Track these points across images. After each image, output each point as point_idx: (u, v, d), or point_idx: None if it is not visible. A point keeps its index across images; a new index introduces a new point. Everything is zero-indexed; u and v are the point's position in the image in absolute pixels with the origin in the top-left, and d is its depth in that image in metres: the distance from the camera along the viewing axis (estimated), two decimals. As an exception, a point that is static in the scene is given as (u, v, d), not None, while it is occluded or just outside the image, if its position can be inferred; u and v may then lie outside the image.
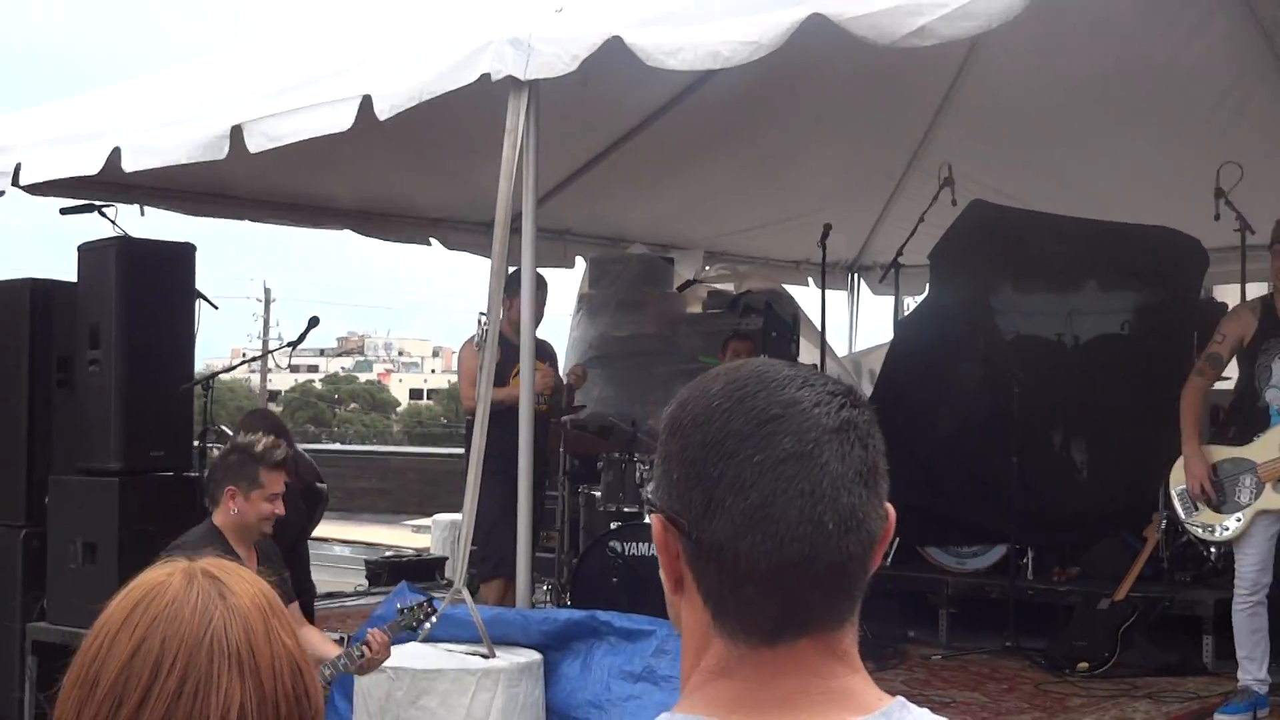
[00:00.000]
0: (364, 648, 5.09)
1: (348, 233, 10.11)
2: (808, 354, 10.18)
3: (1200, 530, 6.78)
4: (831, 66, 8.23)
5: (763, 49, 4.93)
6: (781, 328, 9.85)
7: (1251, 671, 6.64)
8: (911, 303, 10.37)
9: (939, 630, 8.56)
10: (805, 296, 11.98)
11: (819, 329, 9.49)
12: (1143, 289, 9.00)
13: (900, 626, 8.60)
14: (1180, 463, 6.75)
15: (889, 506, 1.36)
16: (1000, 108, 9.70)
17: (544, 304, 7.89)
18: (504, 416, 6.50)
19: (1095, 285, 9.16)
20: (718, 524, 1.28)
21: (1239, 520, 6.55)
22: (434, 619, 5.47)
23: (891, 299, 10.08)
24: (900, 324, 9.34)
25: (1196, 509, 6.70)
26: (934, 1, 4.67)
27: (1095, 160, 9.89)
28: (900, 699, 1.33)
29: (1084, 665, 7.57)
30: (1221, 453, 6.69)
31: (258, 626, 1.44)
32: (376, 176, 9.31)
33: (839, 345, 12.45)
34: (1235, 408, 6.82)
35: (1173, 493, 6.83)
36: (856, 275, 12.87)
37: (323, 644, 5.32)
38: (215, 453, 6.17)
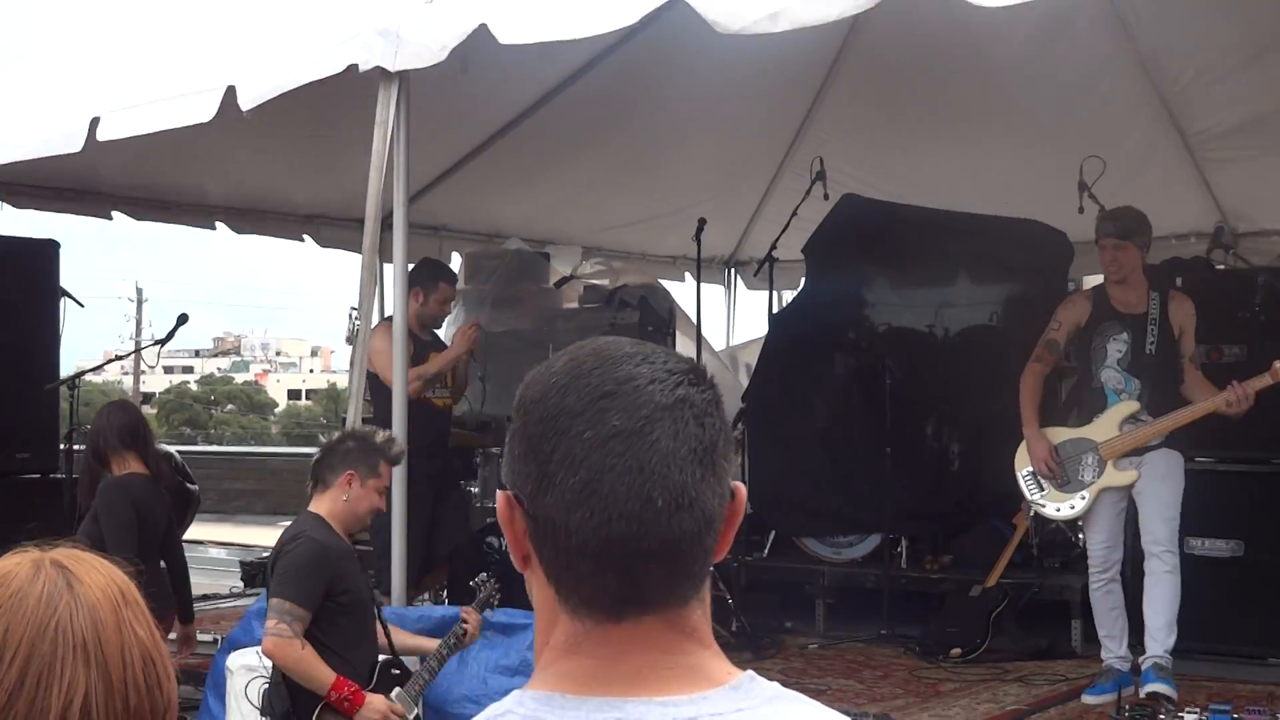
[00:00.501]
0: (463, 626, 5.27)
1: (222, 232, 9.93)
2: (684, 348, 10.20)
3: (1047, 510, 6.94)
4: (707, 61, 8.27)
5: (619, 23, 4.94)
6: (657, 322, 9.87)
7: (1113, 649, 6.79)
8: (788, 296, 10.44)
9: (816, 620, 8.64)
10: (683, 291, 12.03)
11: (695, 323, 9.53)
12: (1010, 281, 9.15)
13: (778, 617, 8.67)
14: (1024, 446, 6.89)
15: (737, 486, 1.36)
16: (873, 103, 9.82)
17: (450, 299, 7.89)
18: (418, 419, 6.57)
19: (964, 278, 9.29)
20: (550, 499, 1.29)
21: (1084, 498, 6.71)
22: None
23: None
24: (774, 318, 9.39)
25: (1042, 489, 6.85)
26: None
27: (965, 154, 10.05)
28: (750, 672, 1.34)
29: (956, 651, 7.68)
30: (1062, 434, 6.84)
31: (107, 617, 1.42)
32: (248, 172, 9.19)
33: (716, 339, 12.51)
34: (1075, 391, 7.00)
35: (1019, 475, 6.95)
36: (733, 270, 12.94)
37: (419, 640, 5.44)
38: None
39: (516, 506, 1.33)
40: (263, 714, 5.16)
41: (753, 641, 7.93)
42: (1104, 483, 6.67)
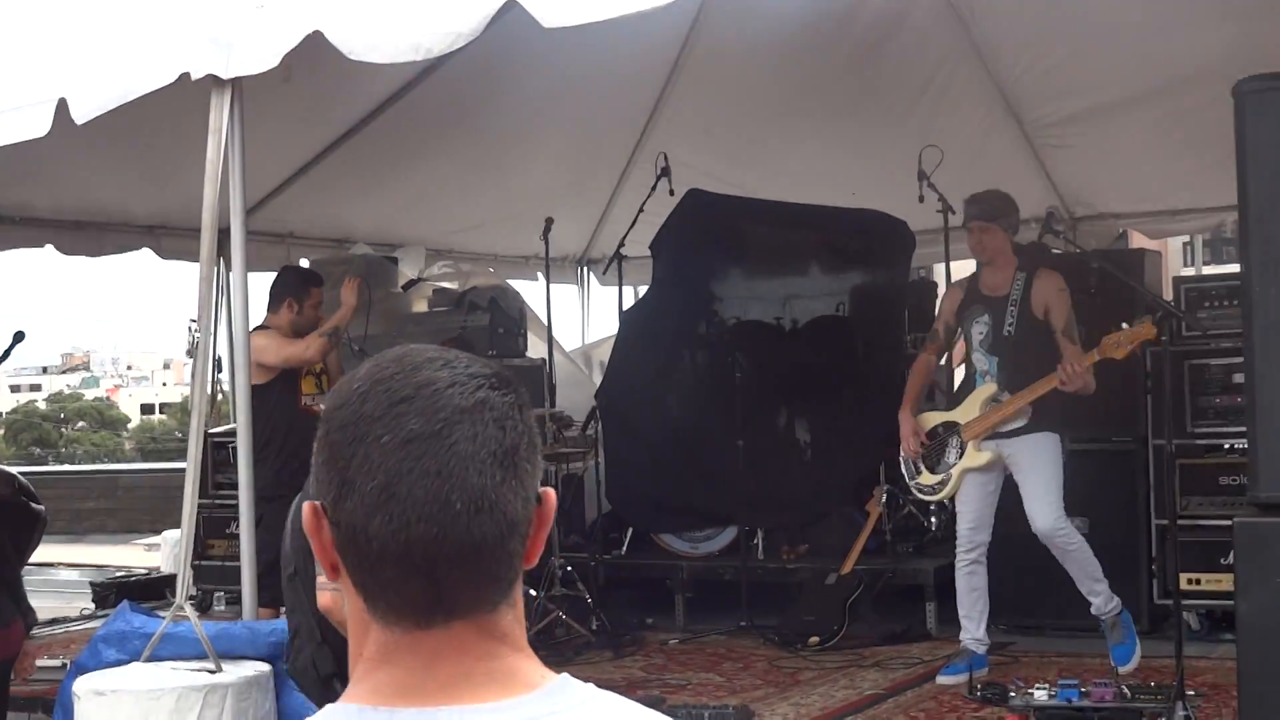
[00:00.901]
0: None
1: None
2: (536, 348, 10.19)
3: (919, 491, 7.11)
4: (552, 58, 8.27)
5: (463, 38, 4.92)
6: (508, 324, 9.84)
7: (970, 630, 6.93)
8: (641, 293, 10.47)
9: (676, 615, 8.68)
10: (536, 291, 12.02)
11: (545, 323, 9.52)
12: (855, 271, 9.28)
13: (638, 614, 8.70)
14: None
15: (546, 491, 1.36)
16: (718, 97, 9.89)
17: (321, 301, 7.97)
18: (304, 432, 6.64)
19: (810, 269, 9.42)
20: (350, 505, 1.29)
21: (949, 478, 6.87)
22: None
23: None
24: (624, 315, 9.41)
25: (918, 471, 7.01)
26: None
27: (810, 146, 10.16)
28: (565, 676, 1.34)
29: (814, 639, 7.77)
30: (934, 418, 7.02)
31: None
32: (83, 184, 8.96)
33: (571, 338, 12.53)
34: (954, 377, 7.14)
35: (901, 460, 7.13)
36: (585, 268, 12.94)
37: None
38: None
39: (321, 515, 1.32)
40: (300, 673, 5.08)
41: (613, 640, 7.96)
42: (965, 464, 6.83)
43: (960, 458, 6.85)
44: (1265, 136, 4.67)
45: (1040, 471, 6.67)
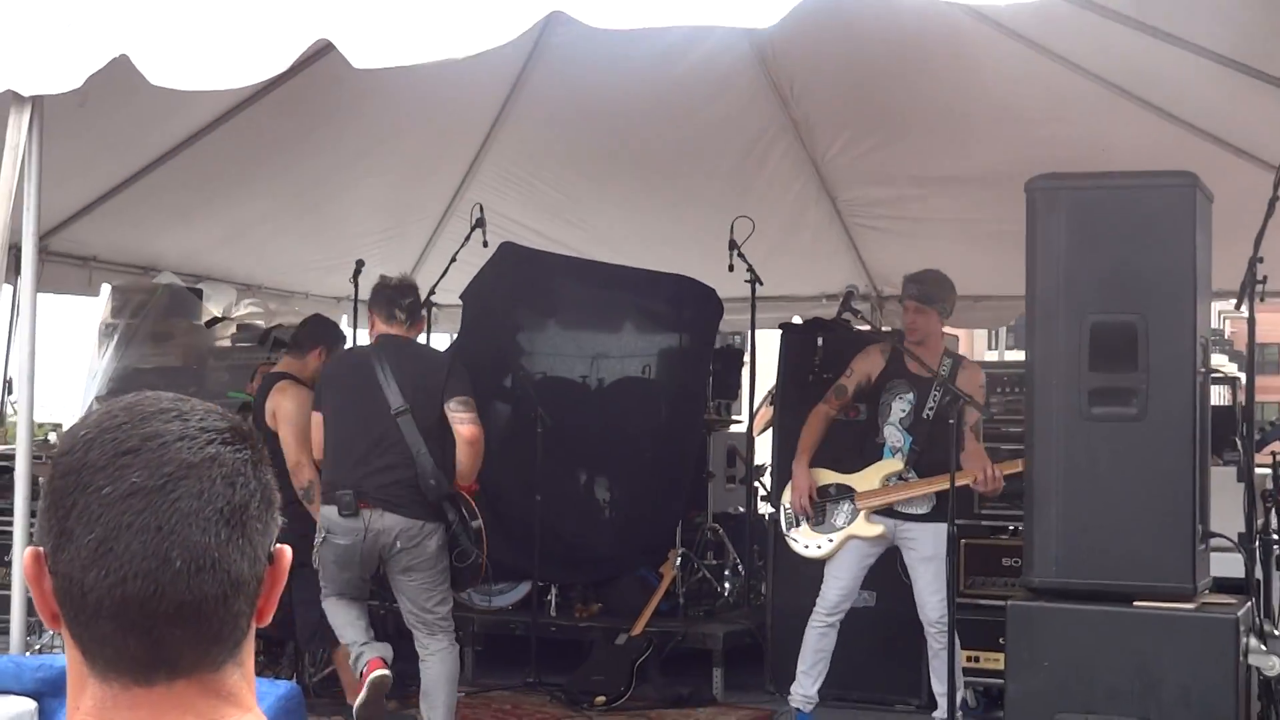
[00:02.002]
0: None
1: None
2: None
3: (796, 545, 7.08)
4: (375, 101, 8.22)
5: (272, 70, 4.88)
6: (312, 363, 9.69)
7: (804, 687, 7.01)
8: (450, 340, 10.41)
9: (464, 668, 8.57)
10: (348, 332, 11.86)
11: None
12: (663, 334, 9.35)
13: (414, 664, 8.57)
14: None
15: (279, 549, 1.34)
16: (537, 152, 9.92)
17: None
18: None
19: (619, 329, 9.46)
20: (68, 556, 1.26)
21: (830, 541, 6.91)
22: None
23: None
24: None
25: (797, 524, 7.02)
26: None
27: (627, 208, 10.25)
28: None
29: (601, 699, 7.77)
30: (829, 476, 7.03)
31: None
32: None
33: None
34: (858, 440, 7.13)
35: (781, 506, 7.17)
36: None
37: None
38: None
39: (41, 563, 1.29)
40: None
41: (399, 690, 7.82)
42: (852, 530, 6.88)
43: (849, 523, 6.90)
44: (1053, 232, 4.86)
45: (934, 563, 6.74)
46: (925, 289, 6.99)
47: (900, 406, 6.94)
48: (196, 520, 1.26)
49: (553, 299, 9.32)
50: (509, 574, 8.81)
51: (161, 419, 1.30)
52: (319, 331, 7.66)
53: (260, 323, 10.69)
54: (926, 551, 6.80)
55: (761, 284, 8.28)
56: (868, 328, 8.05)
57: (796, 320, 9.98)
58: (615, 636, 8.13)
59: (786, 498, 7.10)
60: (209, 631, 1.27)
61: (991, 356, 18.82)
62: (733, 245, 8.15)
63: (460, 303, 9.35)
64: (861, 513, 6.90)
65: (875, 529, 6.87)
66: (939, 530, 6.71)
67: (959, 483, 6.60)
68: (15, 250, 5.84)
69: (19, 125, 5.32)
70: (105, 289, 10.51)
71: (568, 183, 10.11)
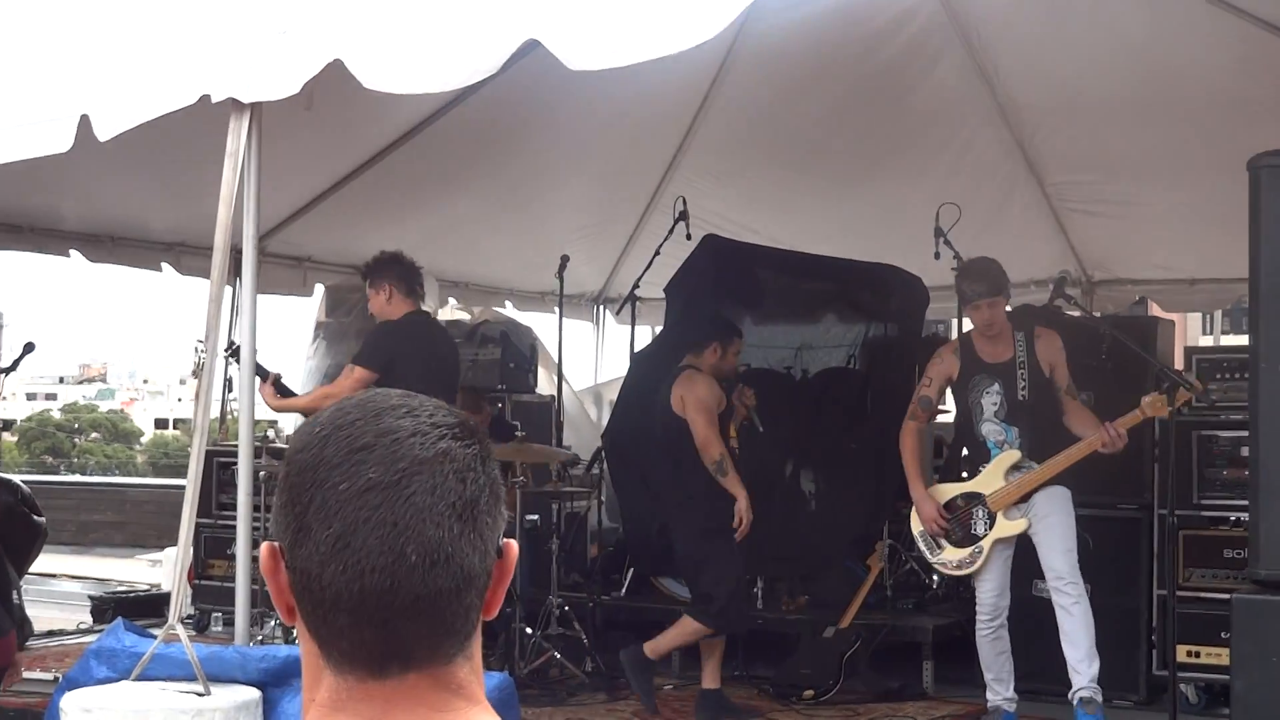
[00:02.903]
0: None
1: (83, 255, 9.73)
2: (546, 385, 10.19)
3: (947, 568, 6.97)
4: (578, 98, 8.30)
5: (482, 74, 4.95)
6: (519, 359, 9.83)
7: (1000, 692, 6.87)
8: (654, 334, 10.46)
9: (672, 660, 8.60)
10: (552, 327, 12.02)
11: (556, 360, 9.51)
12: (868, 324, 9.23)
13: (635, 657, 8.63)
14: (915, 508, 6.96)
15: (507, 543, 1.35)
16: (739, 144, 9.91)
17: (740, 351, 7.94)
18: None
19: (823, 320, 9.38)
20: (306, 551, 1.28)
21: (980, 551, 6.76)
22: None
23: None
24: (635, 356, 9.39)
25: (940, 547, 6.88)
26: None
27: (828, 198, 10.18)
28: None
29: (809, 693, 7.70)
30: (951, 490, 6.90)
31: None
32: (105, 198, 9.00)
33: (584, 376, 12.51)
34: (957, 443, 7.06)
35: (915, 536, 7.01)
36: (602, 307, 12.95)
37: None
38: None
39: (279, 558, 1.32)
40: None
41: (607, 682, 7.90)
42: (996, 534, 6.73)
43: (990, 529, 6.75)
44: (1277, 211, 4.68)
45: (1058, 524, 6.63)
46: (992, 282, 6.76)
47: (991, 401, 6.76)
48: (430, 515, 1.27)
49: (757, 290, 9.28)
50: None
51: (393, 415, 1.31)
52: (714, 330, 7.82)
53: (466, 318, 10.87)
54: (1047, 508, 6.66)
55: (969, 271, 8.13)
56: (1079, 314, 7.85)
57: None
58: (823, 629, 8.05)
59: (916, 525, 6.94)
60: (442, 625, 1.29)
61: (1207, 341, 18.24)
62: (938, 232, 8.02)
63: (664, 296, 9.38)
64: (999, 514, 6.72)
65: (1018, 525, 6.69)
66: (1051, 492, 6.64)
67: (1085, 451, 6.51)
68: (236, 253, 6.03)
69: (239, 131, 5.50)
70: (319, 289, 10.82)
71: (769, 174, 10.08)
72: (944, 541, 6.85)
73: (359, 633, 1.27)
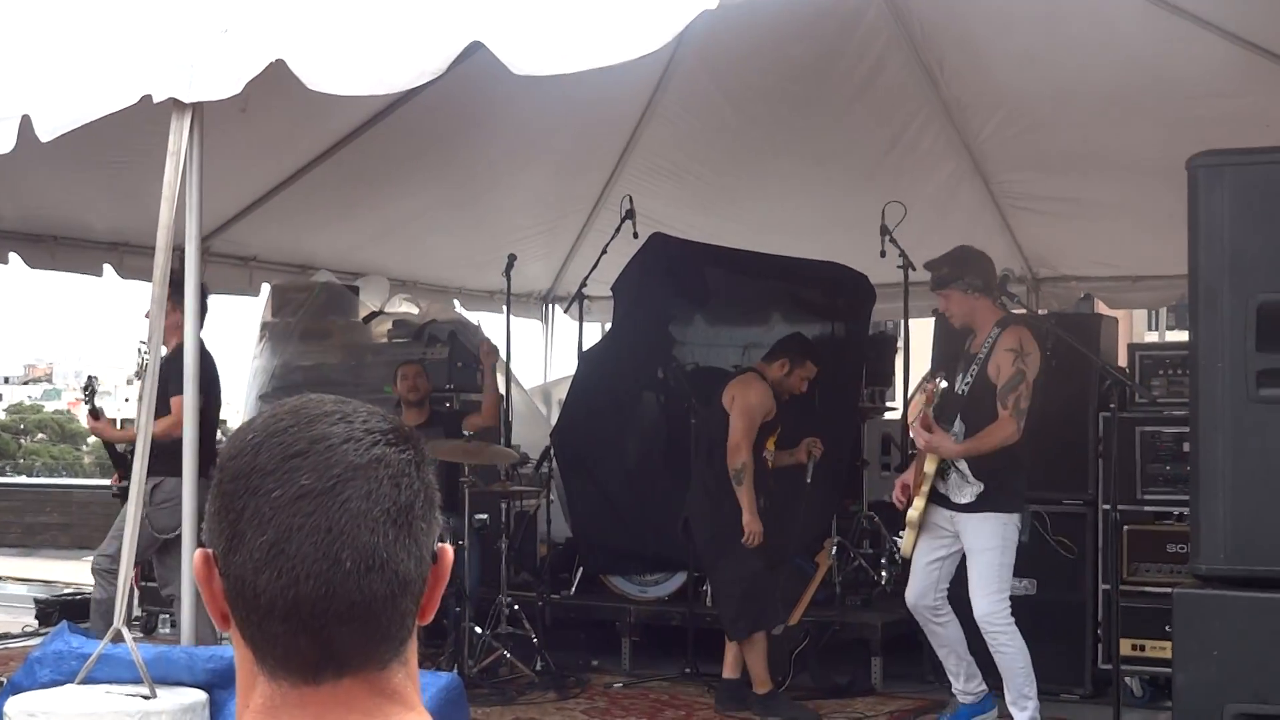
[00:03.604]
0: None
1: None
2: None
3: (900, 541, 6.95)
4: (525, 97, 8.28)
5: (427, 75, 4.94)
6: (467, 358, 9.81)
7: (955, 684, 6.91)
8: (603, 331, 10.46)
9: (622, 658, 8.63)
10: (499, 326, 12.01)
11: (504, 359, 9.50)
12: (815, 322, 9.26)
13: (584, 655, 8.65)
14: None
15: (442, 549, 1.35)
16: (686, 143, 9.93)
17: (809, 376, 7.81)
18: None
19: (770, 318, 9.40)
20: (240, 558, 1.28)
21: (901, 534, 6.80)
22: None
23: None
24: (583, 354, 9.39)
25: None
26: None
27: (775, 196, 10.21)
28: None
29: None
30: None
31: None
32: (44, 198, 8.91)
33: (533, 375, 12.51)
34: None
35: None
36: (551, 305, 12.94)
37: None
38: None
39: (212, 564, 1.32)
40: None
41: (557, 681, 7.91)
42: (910, 518, 6.67)
43: (913, 513, 6.68)
44: (1215, 210, 4.73)
45: (982, 556, 6.47)
46: (936, 273, 6.70)
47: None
48: (365, 521, 1.27)
49: (703, 289, 9.30)
50: (664, 565, 8.83)
51: (327, 422, 1.31)
52: (789, 348, 7.83)
53: (415, 318, 10.84)
54: (969, 544, 6.51)
55: (915, 269, 8.16)
56: (1023, 311, 7.89)
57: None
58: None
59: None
60: (377, 631, 1.29)
61: (1152, 337, 18.40)
62: (884, 230, 8.06)
63: (611, 294, 9.38)
64: (915, 499, 6.62)
65: (913, 513, 6.58)
66: (980, 521, 6.46)
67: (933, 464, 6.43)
68: (179, 252, 5.99)
69: (180, 131, 5.47)
70: (265, 288, 10.76)
71: (716, 172, 10.10)
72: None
73: (293, 640, 1.27)
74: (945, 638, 6.78)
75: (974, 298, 6.63)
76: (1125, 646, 7.06)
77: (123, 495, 7.89)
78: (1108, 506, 7.20)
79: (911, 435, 6.40)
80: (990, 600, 6.43)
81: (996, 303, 6.71)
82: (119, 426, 9.49)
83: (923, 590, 6.71)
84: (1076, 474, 7.75)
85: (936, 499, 6.61)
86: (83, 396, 8.99)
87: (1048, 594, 7.67)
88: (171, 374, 7.43)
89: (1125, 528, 7.20)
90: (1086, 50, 7.78)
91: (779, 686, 7.61)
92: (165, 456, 7.82)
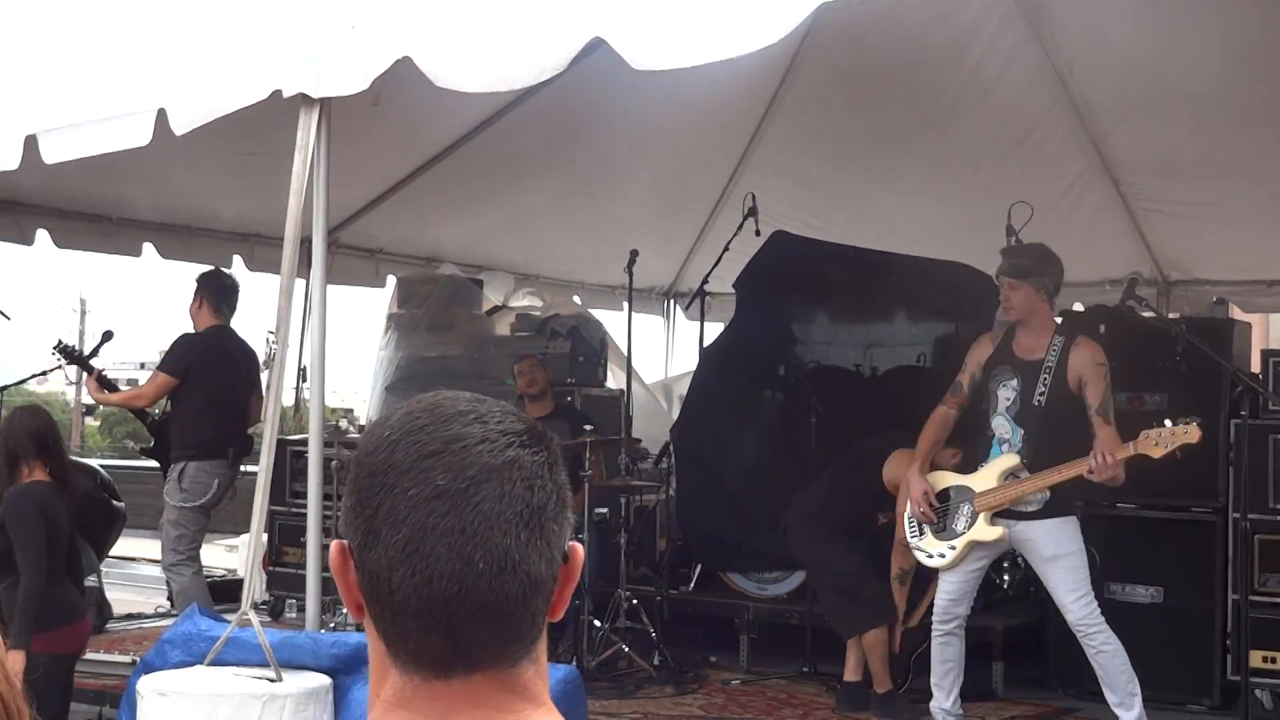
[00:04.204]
0: None
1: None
2: (615, 379, 10.21)
3: (921, 555, 6.70)
4: (646, 93, 8.30)
5: (549, 71, 4.97)
6: (588, 353, 9.87)
7: (939, 700, 6.69)
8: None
9: (740, 655, 8.61)
10: (621, 321, 12.05)
11: (626, 354, 9.53)
12: (938, 322, 9.18)
13: (702, 651, 8.65)
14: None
15: (573, 548, 1.37)
16: (809, 140, 9.90)
17: None
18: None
19: (893, 318, 9.33)
20: (375, 555, 1.30)
21: (953, 549, 6.51)
22: None
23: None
24: (704, 351, 9.39)
25: (921, 533, 6.65)
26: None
27: (899, 195, 10.14)
28: None
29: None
30: (948, 479, 6.63)
31: None
32: (178, 188, 9.12)
33: (654, 371, 12.54)
34: (973, 435, 6.71)
35: (905, 516, 6.78)
36: (672, 301, 12.97)
37: None
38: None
39: (348, 556, 1.34)
40: None
41: (675, 676, 7.92)
42: (973, 535, 6.44)
43: (969, 528, 6.46)
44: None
45: (1066, 560, 6.29)
46: (1017, 262, 6.44)
47: (1006, 395, 6.43)
48: (498, 523, 1.29)
49: (826, 287, 9.25)
50: (784, 563, 8.79)
51: (462, 421, 1.33)
52: None
53: (537, 312, 10.92)
54: (1046, 552, 6.31)
55: (1040, 270, 8.06)
56: (1152, 315, 7.74)
57: (1078, 308, 9.70)
58: (890, 628, 8.02)
59: (906, 505, 6.70)
60: (508, 630, 1.31)
61: (1287, 343, 17.96)
62: (1010, 231, 7.94)
63: (733, 291, 9.37)
64: (981, 515, 6.38)
65: (995, 531, 6.36)
66: (1056, 526, 6.27)
67: (1071, 473, 6.10)
68: (306, 244, 6.10)
69: (308, 126, 5.56)
70: (391, 280, 10.90)
71: (839, 169, 10.06)
72: (926, 528, 6.60)
73: (426, 636, 1.30)
74: (958, 652, 6.64)
75: (1040, 299, 6.44)
76: (1255, 658, 6.92)
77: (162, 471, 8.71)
78: (1238, 515, 7.06)
79: (1096, 473, 6.04)
80: (1083, 603, 6.27)
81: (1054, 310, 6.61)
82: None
83: (959, 596, 6.59)
84: (1206, 481, 7.58)
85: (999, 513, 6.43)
86: (60, 361, 9.17)
87: (1175, 602, 7.53)
88: (172, 353, 8.46)
89: (1256, 537, 7.04)
90: (1221, 50, 7.64)
91: (898, 688, 7.55)
92: (187, 440, 8.34)
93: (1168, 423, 5.97)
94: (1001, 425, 6.47)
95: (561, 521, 1.34)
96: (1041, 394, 6.33)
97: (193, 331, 8.61)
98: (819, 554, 7.58)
